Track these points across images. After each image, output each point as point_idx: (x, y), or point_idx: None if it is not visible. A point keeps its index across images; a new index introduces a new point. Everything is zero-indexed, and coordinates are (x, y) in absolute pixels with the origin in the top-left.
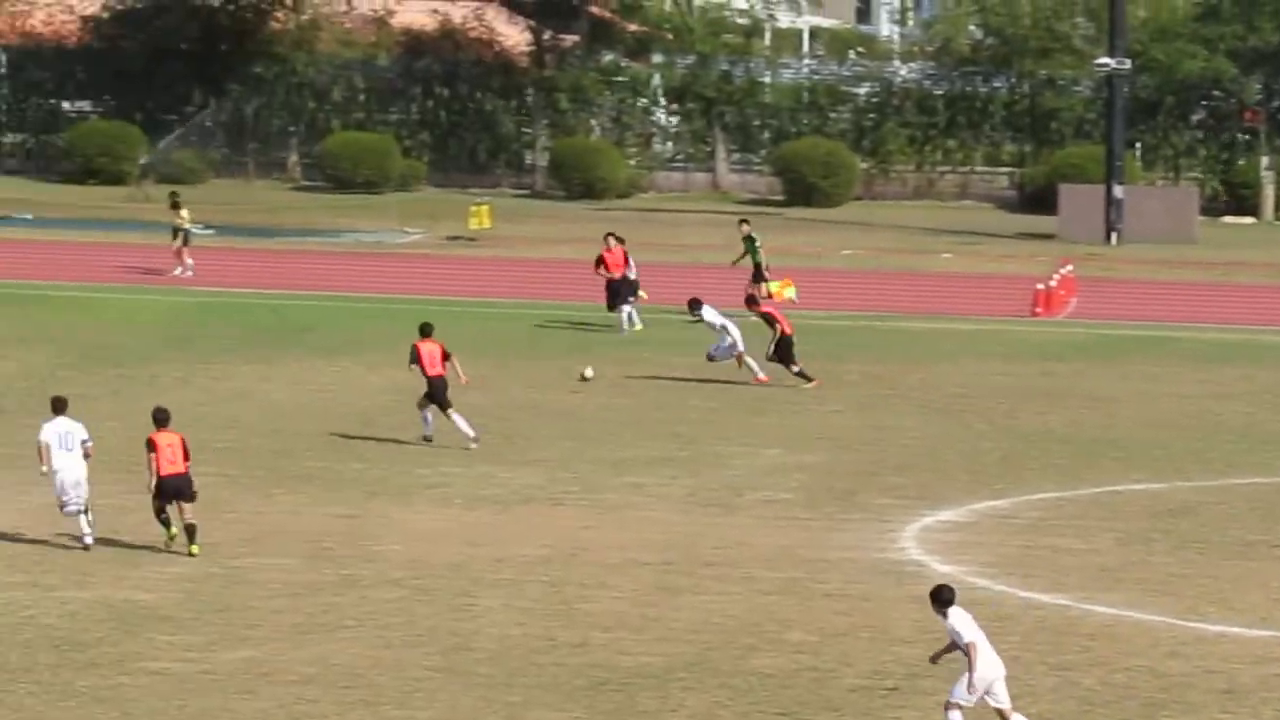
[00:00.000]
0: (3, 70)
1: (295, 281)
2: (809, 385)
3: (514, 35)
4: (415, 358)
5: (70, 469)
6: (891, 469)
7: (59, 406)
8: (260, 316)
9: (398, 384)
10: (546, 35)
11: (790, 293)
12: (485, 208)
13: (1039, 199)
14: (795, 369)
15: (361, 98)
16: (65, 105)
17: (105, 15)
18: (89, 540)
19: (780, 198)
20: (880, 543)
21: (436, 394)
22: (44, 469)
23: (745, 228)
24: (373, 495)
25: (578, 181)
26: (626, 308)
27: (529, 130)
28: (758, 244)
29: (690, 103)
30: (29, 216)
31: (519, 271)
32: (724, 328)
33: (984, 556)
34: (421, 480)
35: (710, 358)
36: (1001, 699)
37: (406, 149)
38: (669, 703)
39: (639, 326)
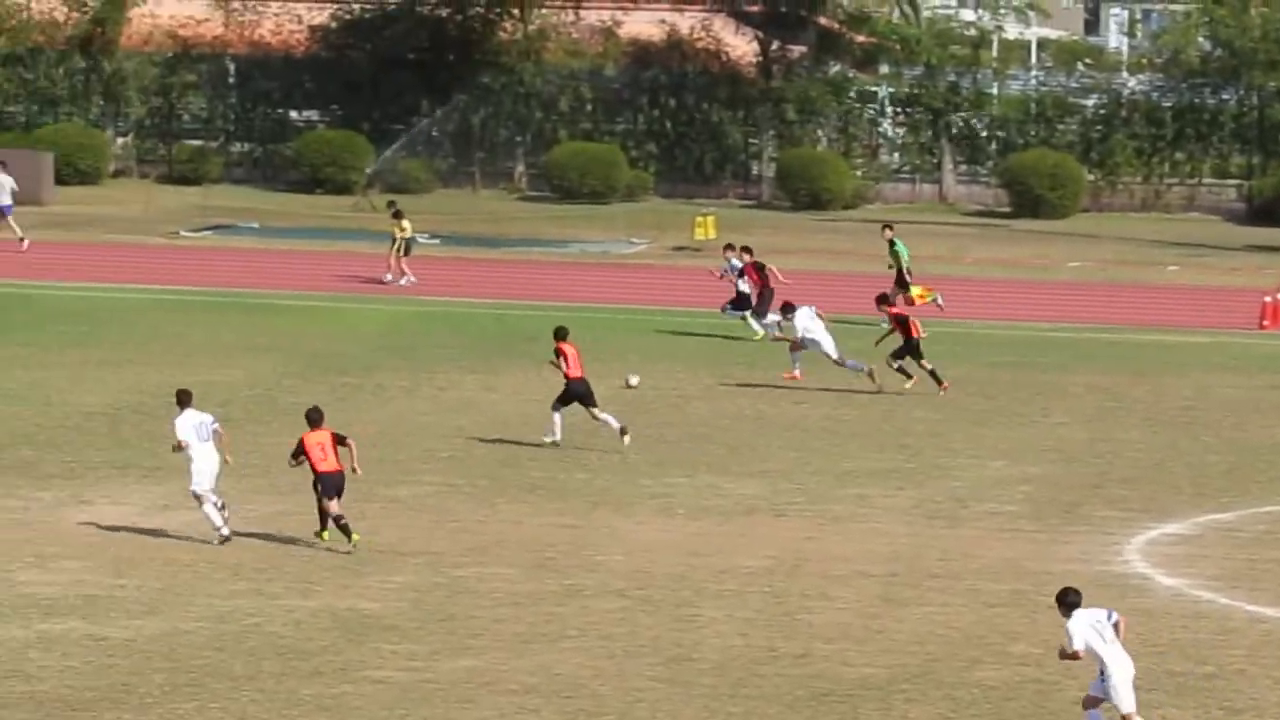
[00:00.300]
0: (231, 80)
1: (520, 291)
2: (940, 390)
3: (741, 46)
4: (561, 359)
5: (208, 458)
6: (1117, 481)
7: (185, 400)
8: (485, 326)
9: (623, 395)
10: (774, 46)
11: (931, 298)
12: (711, 218)
13: (1267, 211)
14: (929, 367)
15: (588, 108)
16: (293, 115)
17: (333, 25)
18: (225, 532)
19: (1007, 209)
20: (1105, 555)
21: (578, 394)
22: (191, 461)
23: (888, 232)
24: (596, 505)
25: (804, 192)
26: (773, 316)
27: (755, 141)
28: (899, 248)
29: (917, 114)
30: (255, 225)
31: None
32: (813, 340)
33: (1209, 570)
34: (645, 490)
35: (840, 364)
36: (1126, 702)
37: (633, 159)
38: (892, 715)
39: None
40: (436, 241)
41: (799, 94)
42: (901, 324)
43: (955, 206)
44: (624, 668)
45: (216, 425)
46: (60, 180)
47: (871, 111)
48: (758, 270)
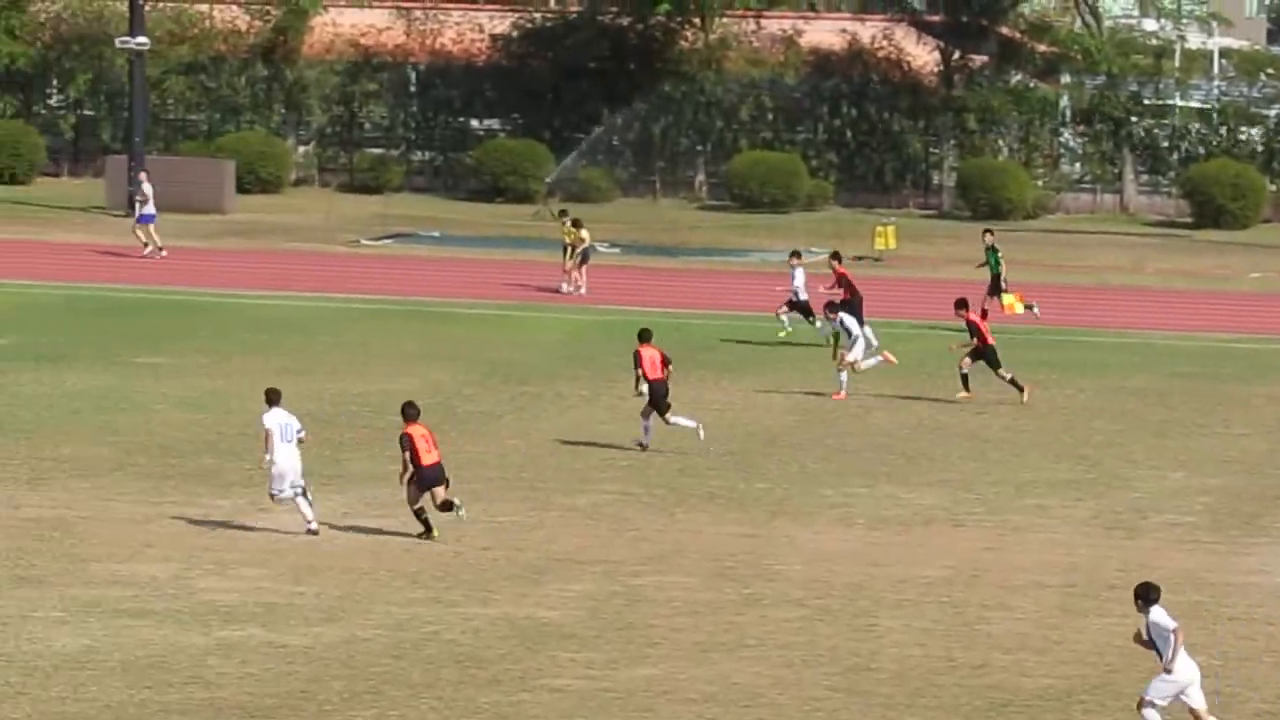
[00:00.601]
0: (412, 88)
1: (699, 300)
2: (1023, 396)
3: (922, 55)
4: (638, 362)
5: (289, 457)
6: None
7: (274, 398)
8: (664, 335)
9: (802, 404)
10: (955, 56)
11: (1024, 307)
12: (891, 228)
13: None
14: (1007, 376)
15: (769, 117)
16: (473, 123)
17: (515, 34)
18: (313, 526)
19: (1188, 220)
20: None
21: (656, 399)
22: (267, 457)
23: (989, 237)
24: (775, 515)
25: (984, 202)
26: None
27: (936, 150)
28: (1000, 255)
29: (1098, 124)
30: (436, 234)
31: (922, 292)
32: (851, 336)
33: None
34: (824, 500)
35: (844, 367)
36: (1196, 700)
37: (813, 169)
38: None
39: (788, 330)
40: (617, 250)
41: (980, 103)
42: (972, 331)
43: (1136, 217)
44: (802, 677)
45: (303, 433)
46: (242, 189)
47: (1052, 121)
48: (845, 278)
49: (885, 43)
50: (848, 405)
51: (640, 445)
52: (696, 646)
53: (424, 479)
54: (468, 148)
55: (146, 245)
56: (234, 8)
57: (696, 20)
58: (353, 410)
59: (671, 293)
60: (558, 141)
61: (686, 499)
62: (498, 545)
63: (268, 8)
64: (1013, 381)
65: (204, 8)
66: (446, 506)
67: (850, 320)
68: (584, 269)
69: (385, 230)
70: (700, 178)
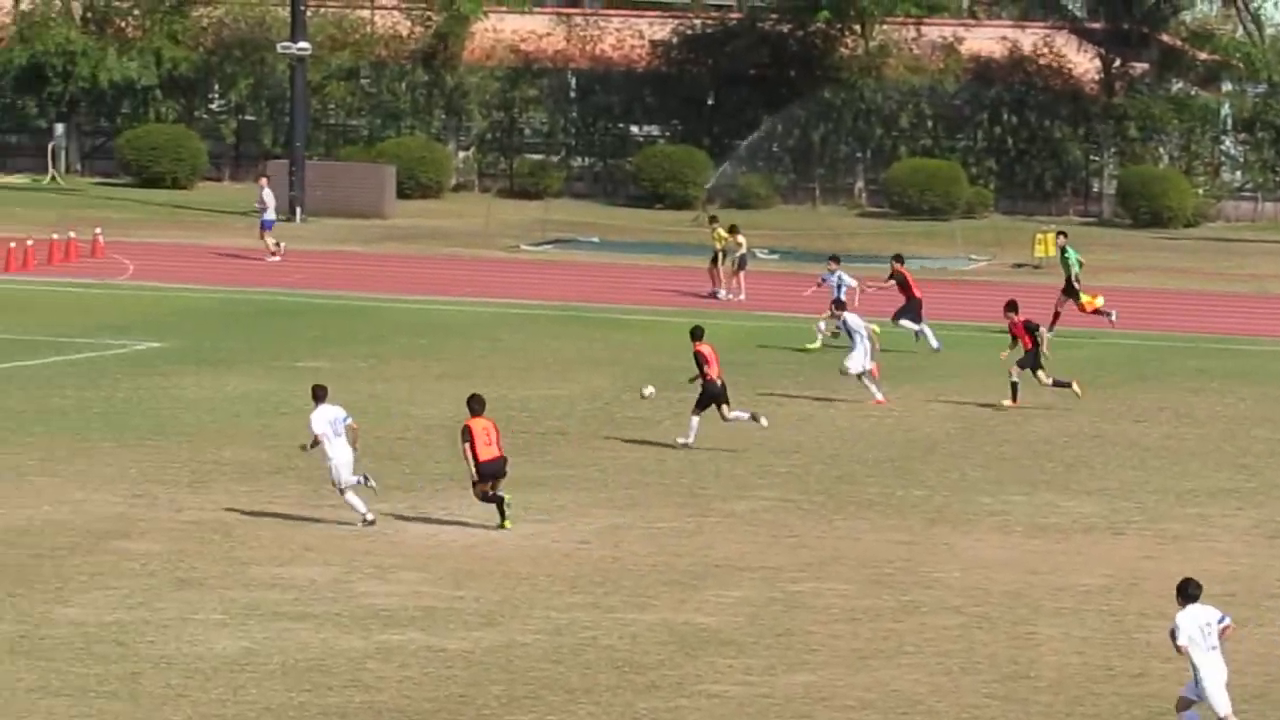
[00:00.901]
0: (572, 94)
1: (860, 307)
2: (1076, 393)
3: (1083, 63)
4: (701, 361)
5: (343, 452)
6: None
7: (320, 394)
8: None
9: (961, 411)
10: (1116, 63)
11: (1099, 302)
12: (1051, 235)
13: None
14: (1049, 381)
15: (929, 124)
16: (633, 129)
17: (675, 40)
18: (370, 517)
19: None
20: None
21: (714, 395)
22: (330, 457)
23: (1062, 239)
24: (933, 522)
25: (1144, 210)
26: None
27: (1096, 158)
28: (1071, 257)
29: (1260, 131)
30: (595, 240)
31: None
32: (856, 337)
33: None
34: (983, 508)
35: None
36: (1221, 705)
37: (973, 176)
38: None
39: (819, 342)
40: (775, 256)
41: (1141, 111)
42: (1027, 333)
43: None
44: (960, 684)
45: (349, 420)
46: (402, 193)
47: (1213, 129)
48: (904, 280)
49: (1046, 50)
50: (1007, 413)
51: (685, 445)
52: (854, 653)
53: (481, 473)
54: (627, 154)
55: (278, 246)
56: (395, 13)
57: (856, 27)
58: (511, 415)
59: (827, 301)
60: (717, 148)
61: (845, 506)
62: (657, 551)
63: (429, 13)
64: (1014, 386)
65: (365, 13)
66: (500, 502)
67: (856, 321)
68: (742, 275)
69: (544, 236)
70: (860, 184)
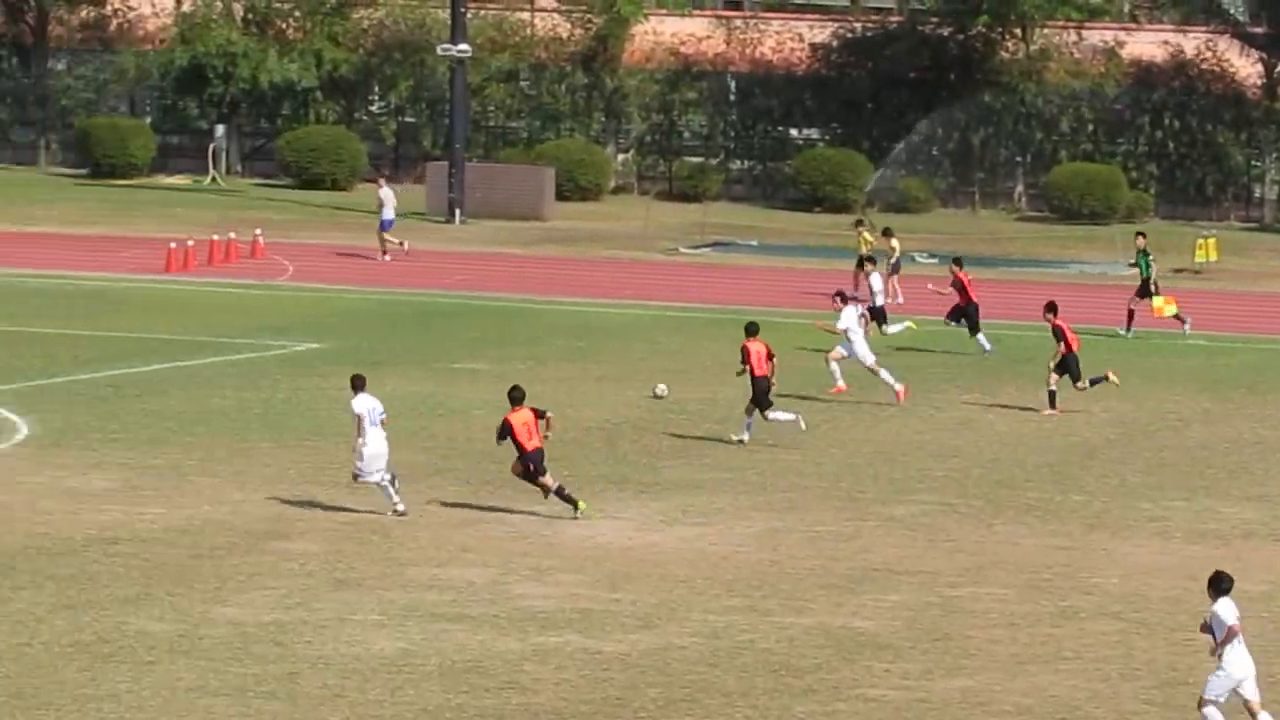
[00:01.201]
0: (732, 97)
1: (1015, 311)
2: (1114, 381)
3: (1245, 67)
4: (745, 358)
5: (377, 441)
6: None
7: (359, 384)
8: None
9: (1121, 417)
10: (1278, 68)
11: (1171, 310)
12: (1212, 240)
13: None
14: (1079, 385)
15: (1089, 128)
16: (792, 132)
17: (834, 43)
18: (401, 508)
19: None
20: None
21: (758, 394)
22: (360, 440)
23: (1141, 240)
24: (1092, 528)
25: None
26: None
27: (1258, 163)
28: (1151, 259)
29: None
30: (754, 243)
31: (1242, 305)
32: (852, 340)
33: None
34: (1143, 514)
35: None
36: (1251, 693)
37: (1133, 181)
38: None
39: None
40: (934, 261)
41: None
42: (1060, 336)
43: None
44: (1119, 690)
45: (384, 415)
46: (561, 196)
47: None
48: (960, 284)
49: (1208, 54)
50: (1165, 418)
51: (739, 441)
52: (1012, 658)
53: (524, 462)
54: (786, 157)
55: (401, 244)
56: (555, 15)
57: (1017, 31)
58: (669, 417)
59: (988, 304)
60: (876, 152)
61: (1004, 510)
62: (814, 554)
63: (589, 16)
64: (1051, 394)
65: (525, 15)
66: (565, 495)
67: (854, 319)
68: (896, 279)
69: (703, 239)
70: (1019, 188)
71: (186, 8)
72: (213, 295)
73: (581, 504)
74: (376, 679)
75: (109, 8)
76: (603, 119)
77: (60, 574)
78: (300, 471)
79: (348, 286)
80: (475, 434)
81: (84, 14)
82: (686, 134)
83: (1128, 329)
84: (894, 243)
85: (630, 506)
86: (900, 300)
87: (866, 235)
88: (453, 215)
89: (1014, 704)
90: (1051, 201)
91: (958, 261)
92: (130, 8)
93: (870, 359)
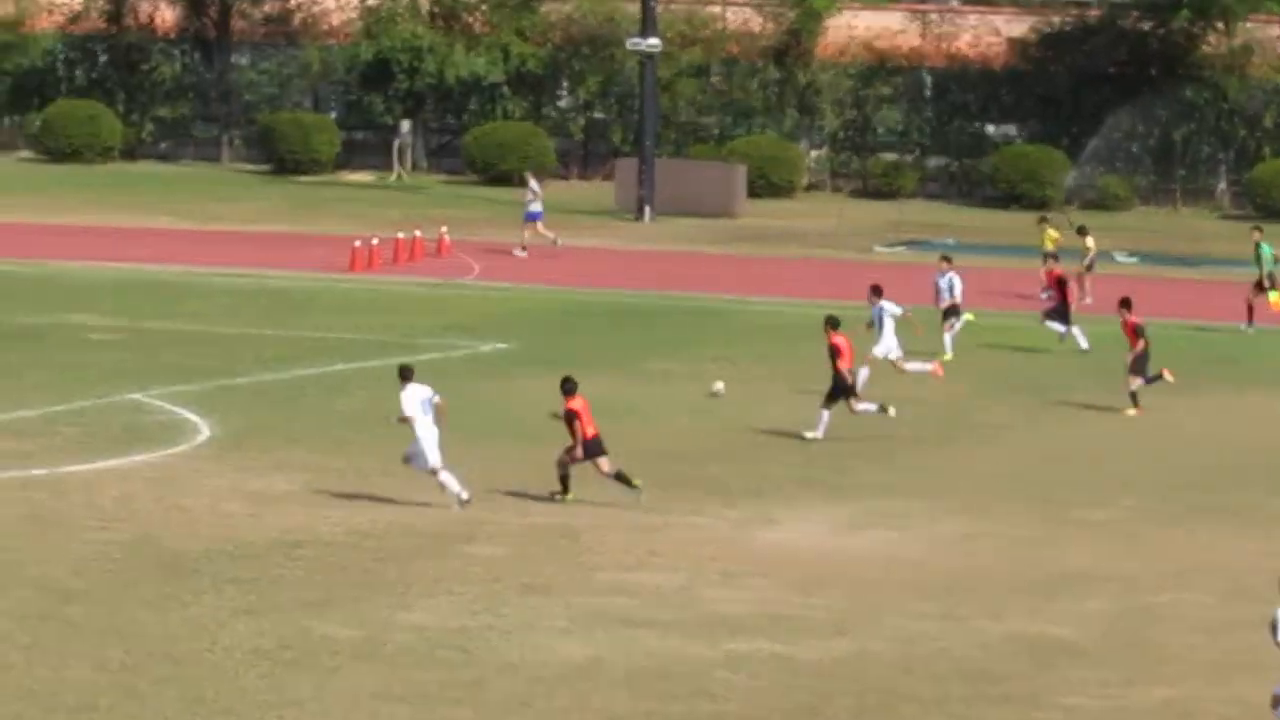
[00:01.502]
0: (928, 93)
1: (1218, 311)
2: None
3: None
4: (836, 354)
5: (430, 431)
6: None
7: (408, 375)
8: (1180, 346)
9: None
10: None
11: None
12: None
13: None
14: (1148, 378)
15: None
16: (989, 129)
17: (1032, 37)
18: (465, 495)
19: None
20: None
21: (844, 388)
22: (419, 435)
23: (1256, 235)
24: None
25: None
26: (1061, 326)
27: None
28: (1266, 253)
29: None
30: (950, 241)
31: None
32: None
33: None
34: None
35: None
36: None
37: None
38: None
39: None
40: (1135, 260)
41: None
42: (1136, 334)
43: None
44: None
45: (437, 398)
46: (752, 193)
47: None
48: (1060, 283)
49: None
50: None
51: (814, 437)
52: (1214, 666)
53: (587, 450)
54: (983, 153)
55: (554, 241)
56: (747, 9)
57: (1219, 25)
58: (858, 420)
59: (1187, 304)
60: (1075, 148)
61: (1205, 515)
62: (1009, 559)
63: (781, 9)
64: (1133, 395)
65: (716, 9)
66: (621, 478)
67: (891, 314)
68: (1088, 278)
69: (898, 237)
70: (1222, 186)
71: (372, 2)
72: (398, 294)
73: (636, 480)
74: (563, 686)
75: (293, 2)
76: (795, 115)
77: (242, 578)
78: (486, 474)
79: (536, 285)
80: (665, 435)
81: (267, 8)
82: (881, 130)
83: (1249, 323)
84: (1089, 241)
85: (820, 509)
86: (1089, 300)
87: (1052, 233)
88: (642, 212)
89: (1217, 713)
90: (1255, 199)
91: (1054, 257)
92: (314, 1)
93: (896, 353)
